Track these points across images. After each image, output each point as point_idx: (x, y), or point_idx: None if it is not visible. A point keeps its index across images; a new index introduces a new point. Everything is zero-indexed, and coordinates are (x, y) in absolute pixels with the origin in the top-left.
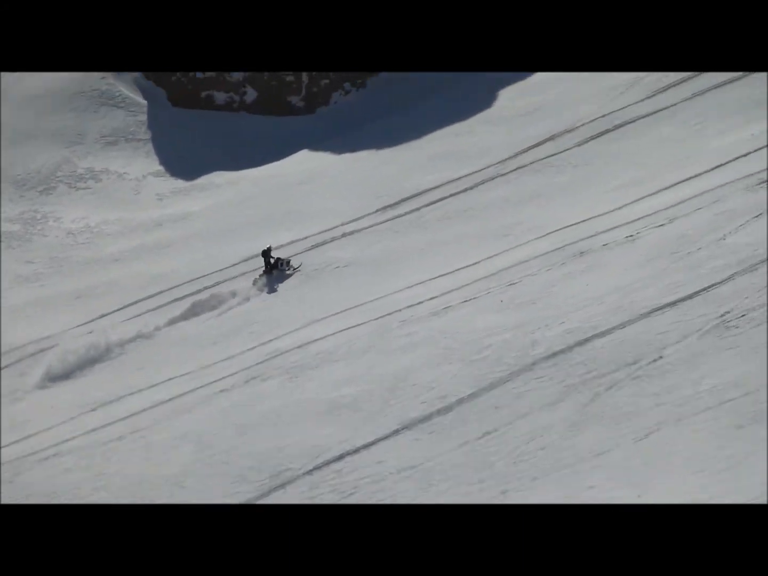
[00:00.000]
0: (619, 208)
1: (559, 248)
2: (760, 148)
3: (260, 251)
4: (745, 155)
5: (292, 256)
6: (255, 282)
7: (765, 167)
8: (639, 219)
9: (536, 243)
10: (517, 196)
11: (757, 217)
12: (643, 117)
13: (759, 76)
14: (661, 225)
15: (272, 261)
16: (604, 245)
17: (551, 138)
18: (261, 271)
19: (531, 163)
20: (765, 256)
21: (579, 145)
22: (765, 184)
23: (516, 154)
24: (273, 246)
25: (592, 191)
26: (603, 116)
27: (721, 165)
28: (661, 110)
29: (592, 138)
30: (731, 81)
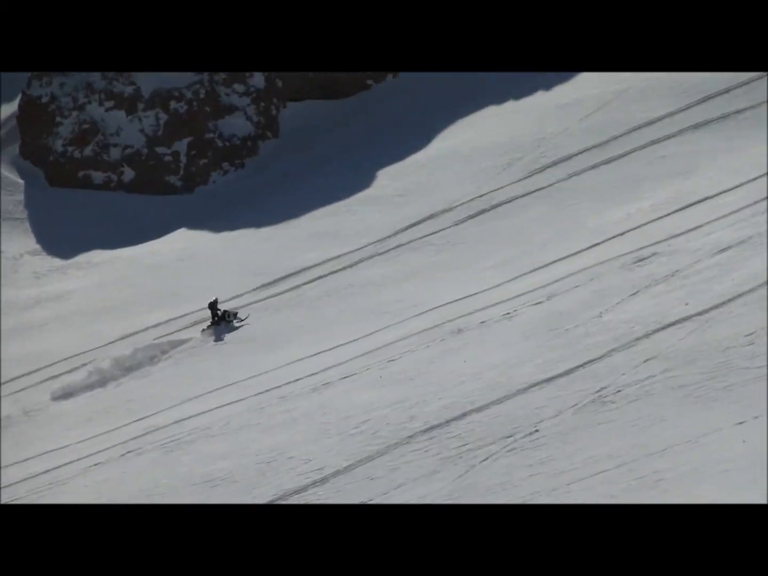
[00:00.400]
0: (497, 285)
1: (438, 325)
2: (635, 228)
3: (207, 303)
4: (621, 234)
5: (237, 308)
6: (203, 332)
7: (639, 246)
8: (516, 297)
9: (415, 320)
10: (397, 274)
11: (632, 294)
12: (520, 197)
13: (635, 155)
14: (539, 302)
15: (219, 313)
16: (482, 322)
17: (430, 217)
18: (208, 323)
19: (410, 242)
20: (640, 334)
21: (457, 224)
22: (641, 263)
23: (395, 233)
24: (154, 324)
25: (471, 269)
26: (481, 196)
27: (596, 244)
28: (537, 190)
29: (470, 217)
30: (608, 161)
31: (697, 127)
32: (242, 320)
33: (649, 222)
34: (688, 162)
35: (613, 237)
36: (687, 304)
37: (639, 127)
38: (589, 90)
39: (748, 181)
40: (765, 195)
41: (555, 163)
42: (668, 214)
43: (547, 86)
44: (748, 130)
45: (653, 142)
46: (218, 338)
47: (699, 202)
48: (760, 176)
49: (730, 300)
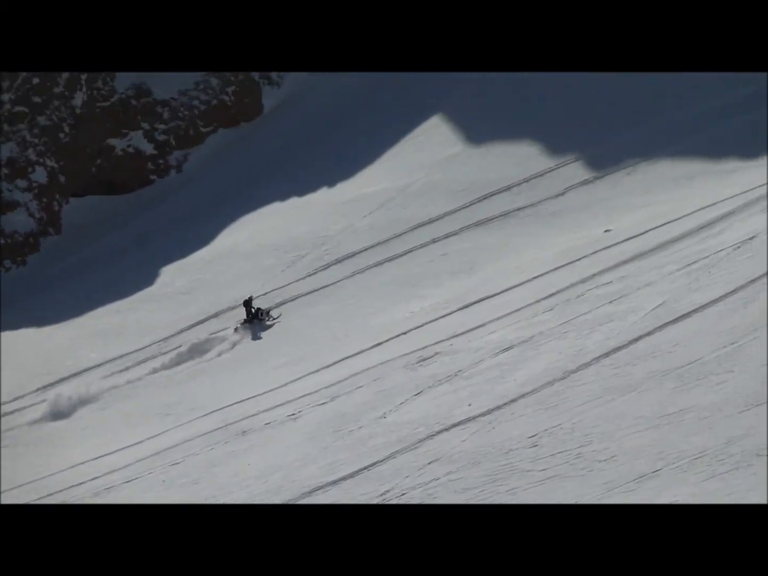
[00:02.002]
0: (282, 386)
1: (222, 427)
2: (418, 327)
3: (242, 301)
4: (404, 333)
5: (272, 307)
6: (236, 330)
7: (422, 346)
8: (301, 397)
9: (199, 421)
10: (180, 375)
11: (416, 395)
12: (304, 295)
13: (417, 253)
14: (323, 403)
15: (253, 311)
16: (266, 424)
17: (215, 315)
18: (242, 320)
19: (194, 341)
20: (423, 435)
21: (240, 322)
22: (424, 362)
23: (179, 332)
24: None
25: (255, 369)
26: (264, 294)
27: (380, 343)
28: (321, 288)
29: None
30: (390, 259)
31: (478, 224)
32: (275, 318)
33: (432, 321)
34: (469, 260)
35: (396, 336)
36: (470, 405)
37: (421, 225)
38: (372, 187)
39: (529, 280)
40: (545, 294)
41: (338, 261)
42: (450, 313)
43: (330, 183)
44: (529, 227)
45: (435, 240)
46: (254, 336)
47: (481, 300)
48: (541, 275)
49: (512, 401)
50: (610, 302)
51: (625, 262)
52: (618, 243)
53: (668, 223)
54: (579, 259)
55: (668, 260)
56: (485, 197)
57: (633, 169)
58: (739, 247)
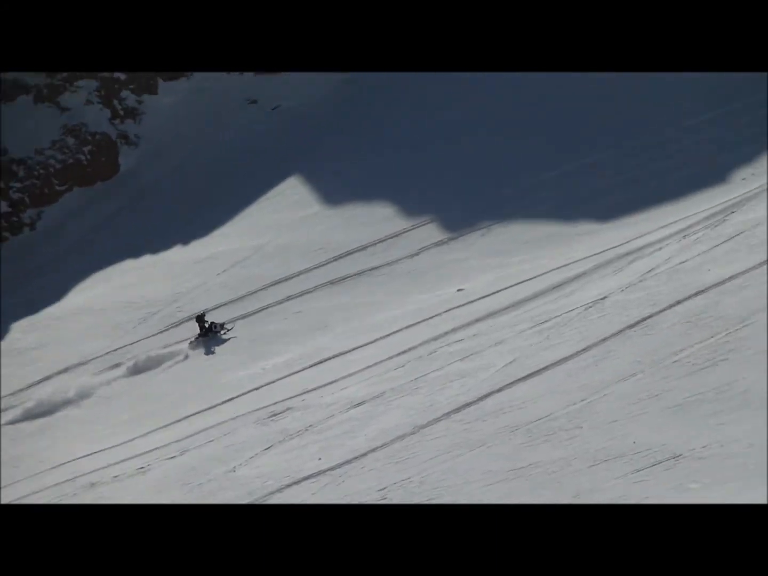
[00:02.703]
0: (131, 440)
1: (70, 479)
2: (270, 383)
3: (195, 316)
4: (256, 389)
5: (225, 322)
6: (191, 345)
7: (274, 401)
8: (150, 451)
9: (48, 474)
10: (24, 430)
11: (266, 449)
12: (159, 350)
13: (272, 310)
14: (173, 457)
15: (206, 325)
16: (114, 477)
17: (65, 370)
18: (197, 335)
19: (39, 397)
20: (273, 489)
21: (95, 374)
22: (275, 417)
23: (28, 387)
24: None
25: (105, 424)
26: (115, 350)
27: (232, 398)
28: (174, 344)
29: (107, 370)
30: (243, 316)
31: (333, 283)
32: (228, 330)
33: (285, 377)
34: (324, 318)
35: (249, 392)
36: (320, 459)
37: (276, 283)
38: (227, 245)
39: (382, 337)
40: (398, 351)
41: (191, 318)
42: (303, 369)
43: (185, 241)
44: (383, 286)
45: (289, 298)
46: (208, 351)
47: (334, 357)
48: (394, 332)
49: (363, 455)
50: (462, 359)
51: (477, 320)
52: (471, 302)
53: (521, 283)
54: (432, 317)
55: (520, 319)
56: (340, 257)
57: (487, 230)
58: (590, 307)
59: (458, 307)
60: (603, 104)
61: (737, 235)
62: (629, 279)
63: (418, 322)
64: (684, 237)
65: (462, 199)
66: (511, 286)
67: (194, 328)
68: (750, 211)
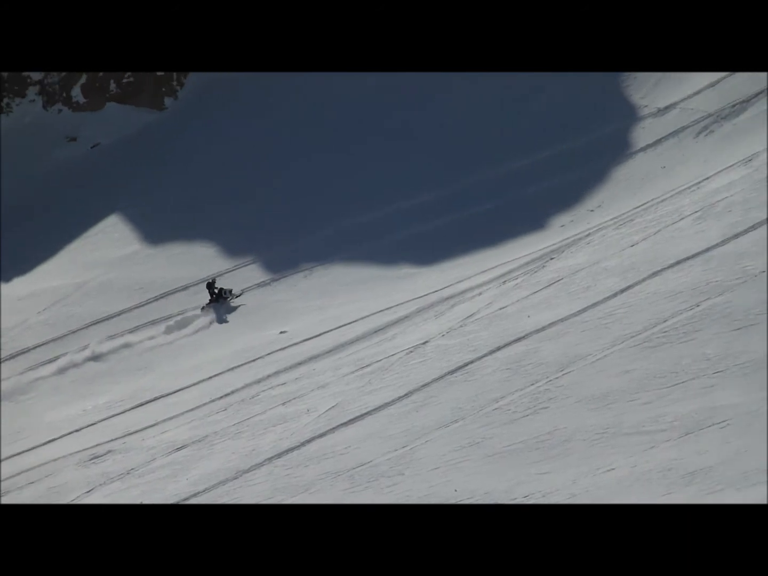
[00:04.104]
0: None
1: None
2: (91, 424)
3: (205, 283)
4: (77, 430)
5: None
6: (203, 310)
7: (94, 443)
8: None
9: None
10: None
11: (87, 492)
12: None
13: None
14: None
15: (216, 291)
16: None
17: None
18: (207, 302)
19: None
20: None
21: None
22: (96, 460)
23: None
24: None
25: None
26: None
27: (53, 440)
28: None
29: None
30: (54, 358)
31: (154, 323)
32: (237, 296)
33: (106, 418)
34: (146, 358)
35: (70, 433)
36: (141, 503)
37: (97, 322)
38: (48, 283)
39: (205, 380)
40: (220, 394)
41: (12, 356)
42: (125, 411)
43: (6, 278)
44: (206, 327)
45: (111, 337)
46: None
47: (156, 399)
48: (217, 375)
49: (184, 499)
50: (284, 403)
51: (300, 363)
52: (293, 344)
53: (344, 325)
54: (254, 360)
55: (343, 362)
56: (162, 296)
57: (309, 272)
58: (412, 352)
59: (281, 349)
60: (430, 146)
61: (556, 281)
62: (450, 324)
63: (241, 365)
64: (504, 282)
65: (284, 239)
66: (333, 329)
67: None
68: (569, 258)
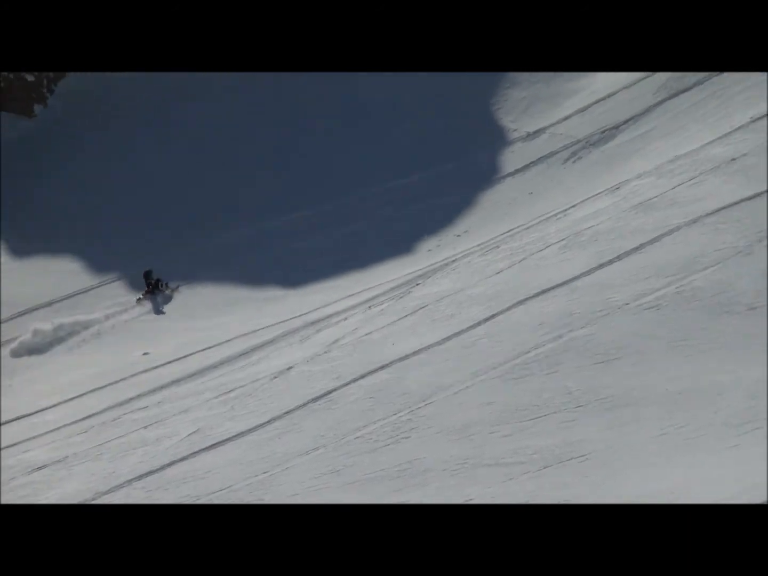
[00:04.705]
0: None
1: None
2: None
3: (142, 273)
4: None
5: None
6: (138, 301)
7: None
8: None
9: None
10: None
11: None
12: None
13: None
14: None
15: (152, 282)
16: None
17: None
18: (144, 292)
19: None
20: None
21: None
22: None
23: None
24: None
25: None
26: None
27: None
28: None
29: None
30: None
31: (9, 342)
32: (173, 290)
33: None
34: (6, 377)
35: None
36: None
37: None
38: None
39: (66, 401)
40: (81, 416)
41: None
42: None
43: None
44: (64, 346)
45: None
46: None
47: (16, 419)
48: (78, 396)
49: None
50: (146, 427)
51: (162, 387)
52: (156, 367)
53: (207, 348)
54: (117, 382)
55: (206, 387)
56: (26, 312)
57: (170, 291)
58: (276, 377)
59: (144, 372)
60: (303, 164)
61: (421, 308)
62: (315, 349)
63: (103, 386)
64: (369, 308)
65: (147, 256)
66: (197, 352)
67: None
68: (434, 285)
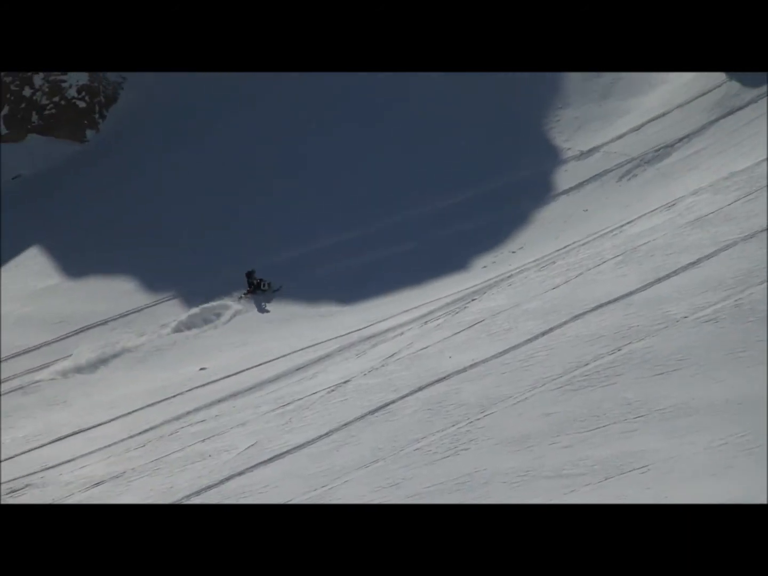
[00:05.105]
0: None
1: None
2: (8, 458)
3: (245, 273)
4: None
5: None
6: (240, 299)
7: (12, 477)
8: None
9: None
10: None
11: None
12: None
13: (11, 383)
14: None
15: (255, 282)
16: None
17: None
18: (245, 292)
19: None
20: None
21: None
22: (13, 494)
23: None
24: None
25: None
26: None
27: None
28: None
29: None
30: None
31: (67, 357)
32: (275, 290)
33: (23, 452)
34: (63, 392)
35: None
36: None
37: (16, 355)
38: None
39: (123, 415)
40: (138, 430)
41: None
42: (42, 446)
43: None
44: (126, 363)
45: (29, 371)
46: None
47: (73, 434)
48: (134, 411)
49: None
50: (203, 440)
51: (219, 400)
52: (213, 381)
53: (264, 363)
54: (173, 396)
55: (263, 400)
56: (81, 330)
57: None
58: (333, 390)
59: (200, 386)
60: (352, 184)
61: (477, 323)
62: (371, 363)
63: (160, 401)
64: (425, 323)
65: (204, 275)
66: (253, 367)
67: None
68: (490, 300)
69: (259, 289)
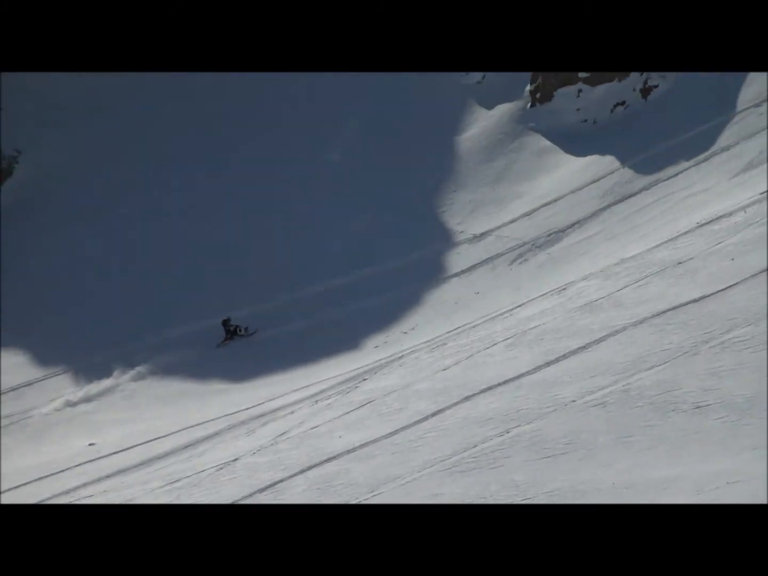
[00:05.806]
0: None
1: None
2: None
3: (221, 321)
4: None
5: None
6: (219, 347)
7: None
8: None
9: None
10: None
11: None
12: None
13: None
14: None
15: (231, 329)
16: None
17: None
18: (222, 339)
19: None
20: None
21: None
22: None
23: None
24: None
25: None
26: None
27: None
28: None
29: None
30: None
31: None
32: (251, 333)
33: None
34: None
35: None
36: None
37: None
38: None
39: (11, 489)
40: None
41: None
42: None
43: None
44: (12, 436)
45: None
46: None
47: None
48: (21, 485)
49: None
50: None
51: (108, 476)
52: (102, 457)
53: (153, 440)
54: (61, 471)
55: (152, 477)
56: None
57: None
58: (221, 468)
59: (89, 461)
60: (245, 262)
61: (368, 402)
62: (261, 441)
63: (48, 475)
64: (316, 402)
65: (92, 347)
66: (143, 443)
67: None
68: (381, 379)
69: (236, 335)
